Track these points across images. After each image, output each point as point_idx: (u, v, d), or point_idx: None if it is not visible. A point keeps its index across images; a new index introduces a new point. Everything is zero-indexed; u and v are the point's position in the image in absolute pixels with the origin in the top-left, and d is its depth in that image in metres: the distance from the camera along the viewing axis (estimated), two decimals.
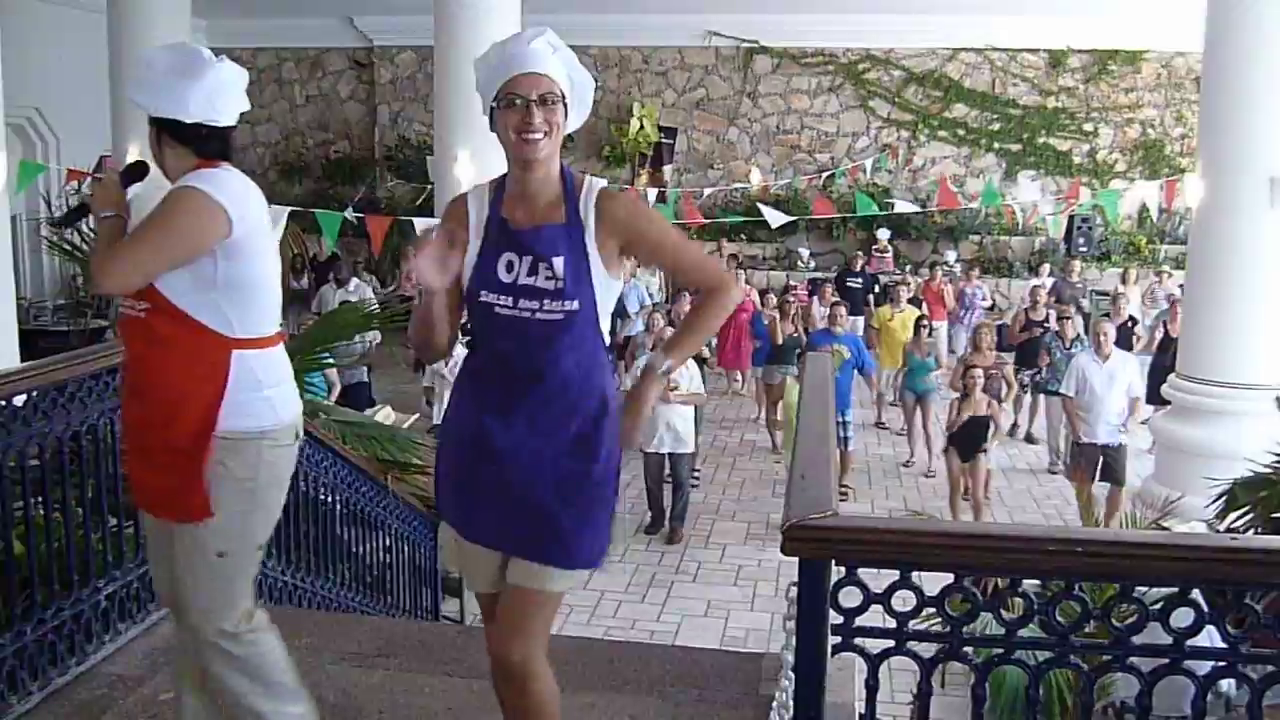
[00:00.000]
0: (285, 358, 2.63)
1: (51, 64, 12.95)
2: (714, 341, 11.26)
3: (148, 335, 2.47)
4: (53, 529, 3.24)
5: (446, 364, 9.07)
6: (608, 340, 2.39)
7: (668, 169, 17.04)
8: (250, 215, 2.53)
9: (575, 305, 2.25)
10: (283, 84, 18.07)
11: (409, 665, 3.39)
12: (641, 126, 16.72)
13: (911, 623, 1.77)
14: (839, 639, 1.77)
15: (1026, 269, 15.52)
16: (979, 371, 8.71)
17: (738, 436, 11.62)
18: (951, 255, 15.74)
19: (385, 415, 8.60)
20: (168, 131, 2.53)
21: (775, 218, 12.34)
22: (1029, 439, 11.25)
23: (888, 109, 16.61)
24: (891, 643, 1.78)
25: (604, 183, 2.36)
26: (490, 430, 2.30)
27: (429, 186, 13.86)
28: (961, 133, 16.53)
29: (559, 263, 2.25)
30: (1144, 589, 1.88)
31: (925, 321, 10.86)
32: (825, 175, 16.35)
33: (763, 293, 13.37)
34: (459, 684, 3.26)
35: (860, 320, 13.82)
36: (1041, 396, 10.80)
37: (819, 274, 15.57)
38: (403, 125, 17.85)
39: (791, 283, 15.24)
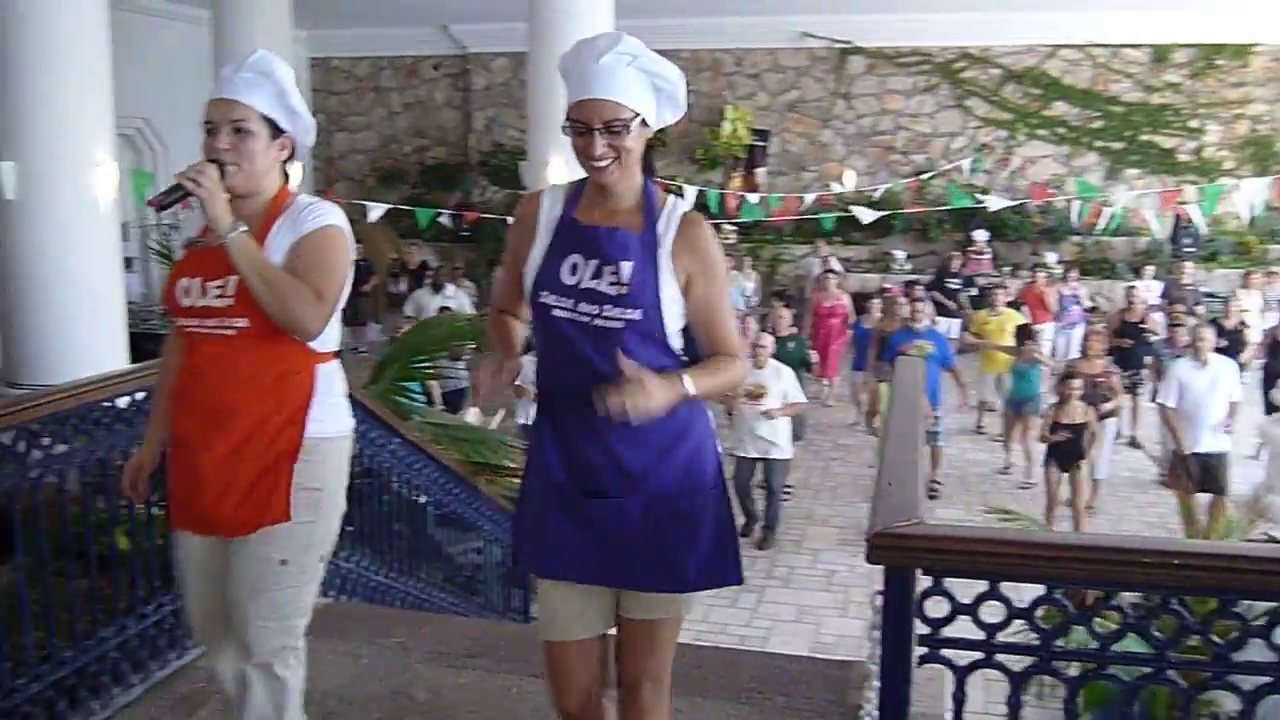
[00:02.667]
0: (341, 368, 2.65)
1: (159, 75, 13.41)
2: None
3: (236, 354, 2.45)
4: (155, 526, 3.34)
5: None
6: (682, 355, 2.27)
7: (760, 172, 16.96)
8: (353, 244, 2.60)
9: (637, 315, 2.17)
10: (380, 91, 18.43)
11: (497, 666, 3.42)
12: (734, 129, 16.69)
13: (1001, 634, 1.73)
14: (925, 649, 1.73)
15: (1130, 270, 15.08)
16: (1078, 381, 8.50)
17: (831, 440, 11.50)
18: (1052, 256, 15.34)
19: (473, 416, 8.70)
20: (285, 139, 2.54)
21: (865, 214, 12.18)
22: (1133, 443, 10.93)
23: (985, 108, 16.31)
24: (979, 654, 1.74)
25: (691, 208, 2.29)
26: (570, 461, 2.24)
27: (522, 192, 13.97)
28: (1062, 131, 16.15)
29: (627, 267, 2.17)
30: (1249, 603, 1.81)
31: (1027, 326, 10.58)
32: (921, 177, 16.11)
33: (857, 296, 13.25)
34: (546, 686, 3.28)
35: (957, 323, 13.60)
36: (1147, 403, 10.49)
37: (914, 276, 15.34)
38: (497, 131, 18.07)
39: (886, 285, 15.02)
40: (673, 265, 2.21)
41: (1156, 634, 1.69)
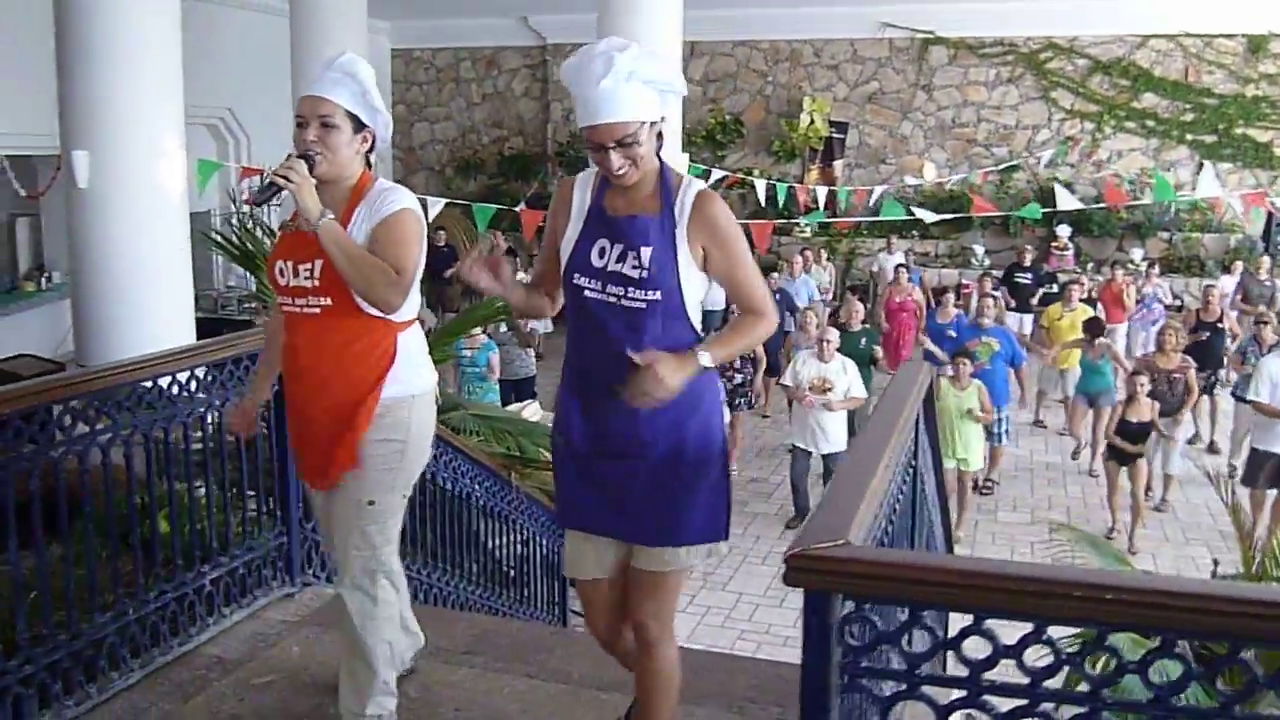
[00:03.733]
0: (421, 332, 2.93)
1: (240, 66, 13.67)
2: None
3: (324, 330, 2.74)
4: (183, 510, 3.43)
5: None
6: (699, 329, 2.47)
7: (838, 164, 16.72)
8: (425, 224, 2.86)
9: (657, 295, 2.37)
10: (460, 82, 18.58)
11: (494, 665, 3.41)
12: (812, 121, 16.47)
13: (926, 665, 1.66)
14: (846, 678, 1.67)
15: (1220, 268, 14.55)
16: (1144, 378, 8.35)
17: None
18: (1138, 253, 14.89)
19: (532, 411, 8.72)
20: (366, 133, 2.80)
21: (928, 216, 11.94)
22: (1212, 448, 10.58)
23: (1071, 100, 15.84)
24: (903, 685, 1.67)
25: (704, 184, 2.46)
26: (595, 428, 2.47)
27: None
28: (1151, 124, 15.61)
29: (647, 252, 2.36)
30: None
31: (1097, 322, 10.28)
32: (1002, 169, 15.75)
33: (934, 290, 13.02)
34: (539, 686, 3.27)
35: (1028, 318, 13.29)
36: (1224, 402, 10.14)
37: (993, 271, 15.01)
38: (574, 121, 18.06)
39: (964, 280, 14.73)
40: (689, 244, 2.40)
41: (1090, 671, 1.60)
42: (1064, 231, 15.03)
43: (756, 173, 16.12)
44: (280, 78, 12.60)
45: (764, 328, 2.49)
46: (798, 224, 15.63)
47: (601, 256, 2.42)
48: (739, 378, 9.68)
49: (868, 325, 10.43)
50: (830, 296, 14.41)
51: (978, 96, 16.21)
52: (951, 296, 11.14)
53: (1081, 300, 11.36)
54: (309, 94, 2.74)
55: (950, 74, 16.25)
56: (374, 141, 2.83)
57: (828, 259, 15.09)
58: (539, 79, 18.42)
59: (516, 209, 12.89)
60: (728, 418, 9.63)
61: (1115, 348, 10.45)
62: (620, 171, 2.36)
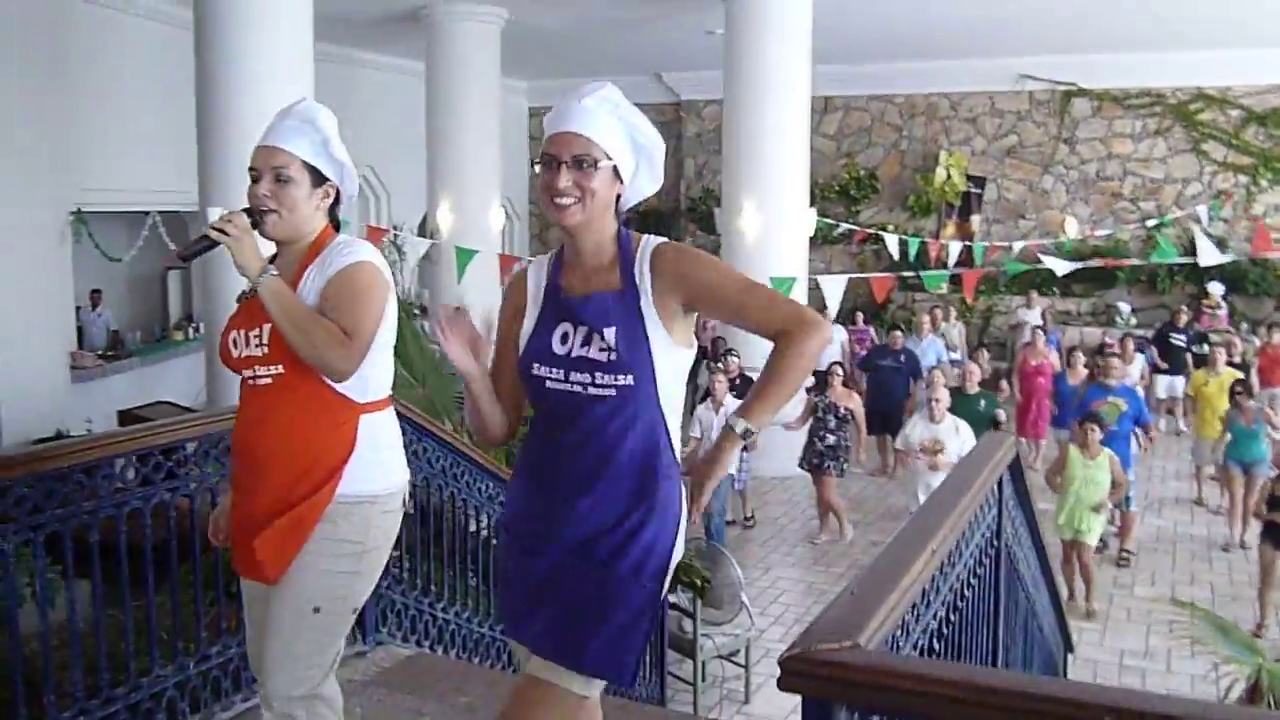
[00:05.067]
0: (396, 420, 2.61)
1: (380, 126, 14.14)
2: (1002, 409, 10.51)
3: (274, 402, 2.45)
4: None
5: (716, 412, 9.03)
6: (673, 433, 2.15)
7: (976, 219, 16.29)
8: (391, 282, 2.56)
9: (629, 380, 2.07)
10: None
11: None
12: (948, 176, 16.11)
13: None
14: None
15: None
16: None
17: None
18: None
19: None
20: (328, 187, 2.54)
21: (1061, 266, 11.46)
22: None
23: (1224, 152, 15.09)
24: None
25: (660, 240, 2.17)
26: (543, 521, 2.16)
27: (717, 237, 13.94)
28: None
29: (610, 333, 2.07)
30: None
31: (1243, 386, 9.64)
32: (1150, 225, 15.07)
33: (1070, 350, 12.48)
34: None
35: (1180, 380, 12.59)
36: None
37: (1139, 330, 14.33)
38: (707, 178, 18.13)
39: (1108, 340, 14.09)
40: (660, 314, 2.10)
41: None
42: (1216, 289, 14.27)
43: (891, 228, 15.83)
44: (415, 135, 12.99)
45: (810, 340, 2.05)
46: (929, 278, 15.26)
47: (564, 342, 2.13)
48: (831, 438, 9.38)
49: (986, 389, 10.00)
50: (959, 355, 13.97)
51: (1123, 149, 15.60)
52: (1081, 356, 10.65)
53: (1232, 364, 10.70)
54: (263, 143, 2.47)
55: (1094, 126, 15.70)
56: (337, 196, 2.55)
57: (957, 317, 14.65)
58: (672, 135, 18.52)
59: None
60: (827, 484, 9.40)
61: (1270, 410, 9.79)
62: (565, 199, 2.06)
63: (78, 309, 11.54)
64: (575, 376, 2.11)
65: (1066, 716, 1.39)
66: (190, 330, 13.18)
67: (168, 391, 10.76)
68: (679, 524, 2.16)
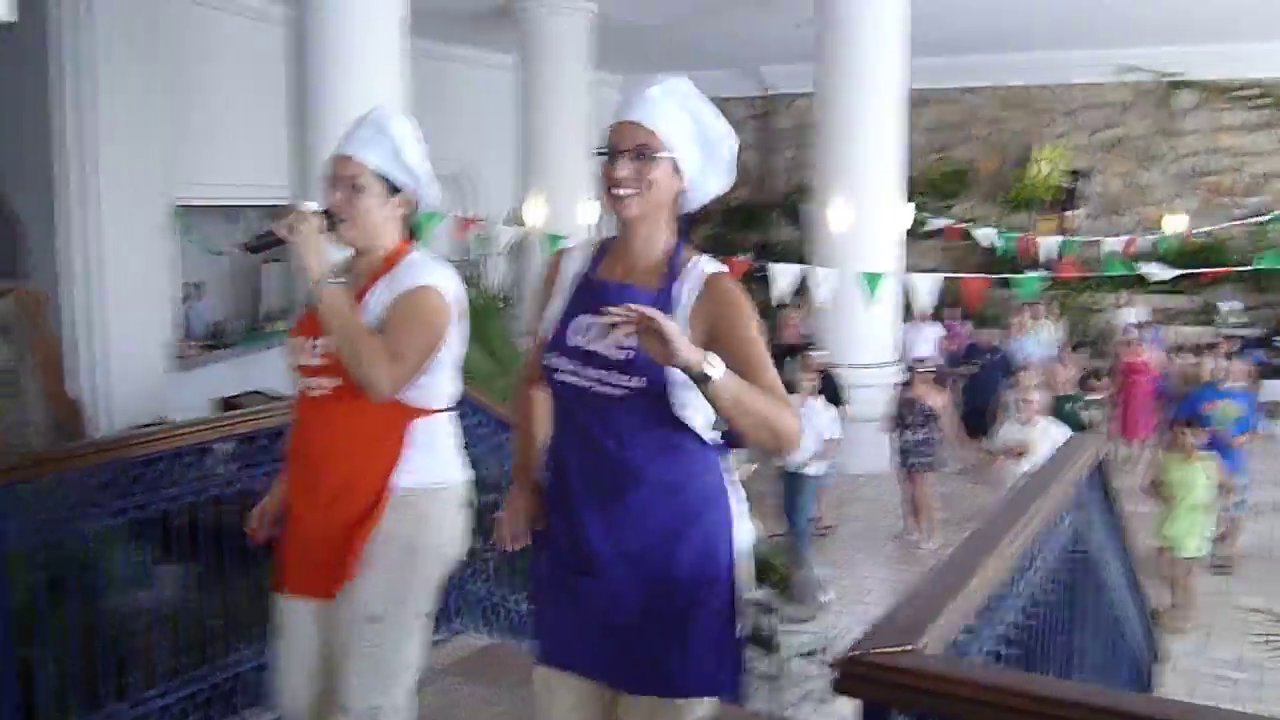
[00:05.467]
0: (452, 424, 2.57)
1: (475, 120, 14.29)
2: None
3: (330, 413, 2.45)
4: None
5: (800, 407, 8.98)
6: (706, 432, 2.07)
7: (1074, 214, 15.87)
8: (463, 302, 2.54)
9: (641, 383, 2.00)
10: None
11: None
12: (1046, 170, 15.73)
13: None
14: None
15: None
16: None
17: (1124, 509, 10.47)
18: None
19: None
20: (403, 197, 2.53)
21: (1152, 272, 11.12)
22: None
23: None
24: None
25: (721, 267, 2.11)
26: (572, 537, 2.09)
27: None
28: None
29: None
30: None
31: None
32: (1263, 220, 14.52)
33: (1173, 350, 12.11)
34: None
35: None
36: None
37: (1244, 331, 13.85)
38: (799, 171, 17.96)
39: (1211, 341, 13.64)
40: (689, 330, 2.00)
41: None
42: None
43: (988, 221, 15.54)
44: (506, 130, 13.12)
45: (785, 418, 1.97)
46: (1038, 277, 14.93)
47: (584, 334, 2.07)
48: (918, 435, 9.23)
49: (1079, 389, 9.73)
50: (1057, 354, 13.61)
51: (1229, 142, 15.05)
52: (1185, 357, 10.32)
53: None
54: (339, 152, 2.48)
55: (1199, 118, 15.17)
56: (416, 206, 2.56)
57: (1055, 315, 14.29)
58: (765, 129, 18.43)
59: (740, 258, 12.92)
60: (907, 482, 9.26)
61: None
62: (623, 189, 2.01)
63: (184, 298, 11.90)
64: (589, 371, 2.06)
65: None
66: (288, 321, 13.48)
67: (265, 380, 11.03)
68: (730, 520, 2.08)
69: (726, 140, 2.14)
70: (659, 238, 2.11)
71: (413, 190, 2.54)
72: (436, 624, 3.88)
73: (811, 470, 9.05)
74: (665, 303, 2.02)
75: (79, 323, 9.46)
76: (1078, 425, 8.99)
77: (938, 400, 9.40)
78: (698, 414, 2.07)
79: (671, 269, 2.07)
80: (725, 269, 2.11)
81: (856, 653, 1.48)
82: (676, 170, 2.07)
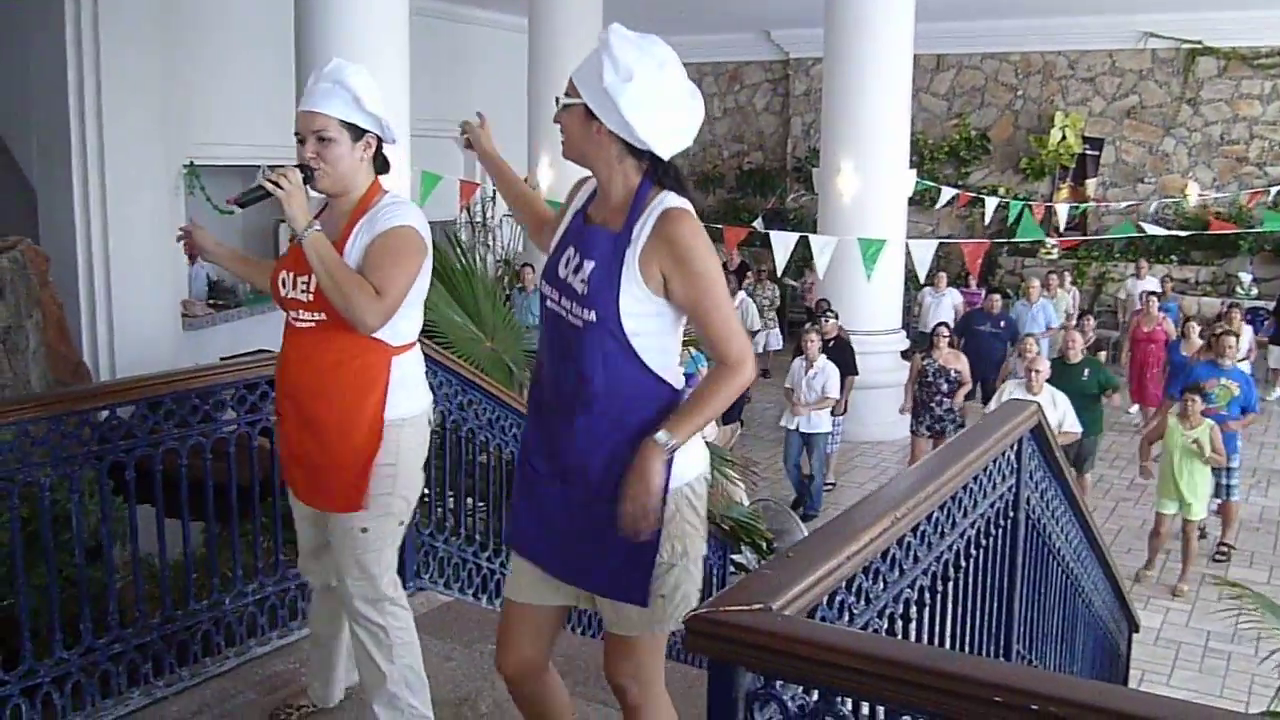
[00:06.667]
0: (420, 356, 2.83)
1: (486, 83, 14.27)
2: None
3: (315, 346, 2.67)
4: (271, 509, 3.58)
5: (806, 372, 9.01)
6: (663, 370, 2.20)
7: (1091, 183, 15.74)
8: (429, 243, 2.74)
9: (592, 316, 2.14)
10: (702, 97, 18.67)
11: (575, 688, 3.35)
12: (1064, 137, 15.56)
13: None
14: None
15: None
16: None
17: (1128, 478, 10.47)
18: None
19: (708, 431, 8.62)
20: (368, 139, 2.68)
21: (1158, 232, 11.02)
22: None
23: None
24: None
25: (682, 203, 2.18)
26: (540, 442, 2.30)
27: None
28: None
29: (589, 266, 2.16)
30: None
31: None
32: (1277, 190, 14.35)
33: (1187, 320, 12.02)
34: (614, 715, 3.19)
35: None
36: None
37: (1260, 302, 13.72)
38: (814, 137, 17.85)
39: (1224, 310, 13.53)
40: (641, 266, 2.15)
41: None
42: None
43: (1002, 190, 15.40)
44: (518, 92, 13.09)
45: (735, 382, 2.17)
46: (1043, 244, 14.83)
47: (566, 265, 2.23)
48: (948, 401, 9.25)
49: (1091, 356, 9.66)
50: (1071, 320, 13.55)
51: (1251, 111, 14.84)
52: (1196, 327, 10.24)
53: None
54: (304, 108, 2.63)
55: (1220, 87, 14.96)
56: (379, 144, 2.71)
57: (1071, 283, 14.21)
58: (780, 94, 18.31)
59: (754, 224, 12.89)
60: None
61: None
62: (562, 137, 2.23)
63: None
64: (563, 301, 2.22)
65: (960, 693, 1.38)
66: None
67: (272, 339, 11.14)
68: (678, 459, 2.16)
69: (633, 79, 2.12)
70: (616, 179, 2.21)
71: (374, 134, 2.69)
72: (401, 580, 3.98)
73: (823, 428, 9.11)
74: (623, 241, 2.16)
75: (96, 284, 9.56)
76: (1090, 394, 8.90)
77: (960, 364, 9.40)
78: (657, 354, 2.20)
79: (634, 208, 2.19)
80: (684, 205, 2.19)
81: (703, 610, 1.52)
82: (591, 115, 2.16)
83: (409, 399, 2.73)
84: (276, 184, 2.52)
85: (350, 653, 2.98)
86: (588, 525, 2.21)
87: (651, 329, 2.18)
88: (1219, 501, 8.44)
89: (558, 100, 2.21)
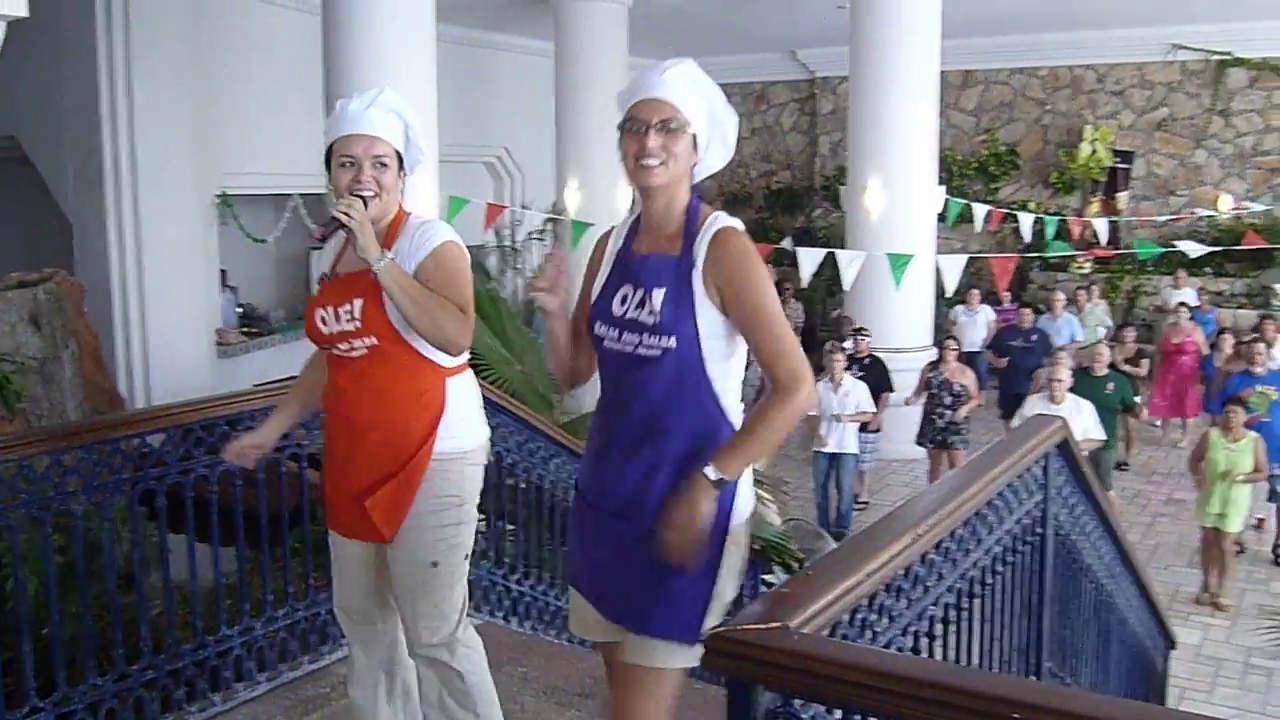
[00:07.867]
0: (475, 382, 2.80)
1: (516, 106, 14.37)
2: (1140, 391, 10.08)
3: (371, 372, 2.63)
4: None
5: (835, 391, 8.96)
6: (726, 392, 2.22)
7: (1122, 196, 15.61)
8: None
9: (671, 343, 2.15)
10: None
11: (603, 709, 3.36)
12: (1093, 151, 15.45)
13: None
14: None
15: None
16: None
17: (1165, 494, 10.35)
18: None
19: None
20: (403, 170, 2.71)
21: (1192, 249, 10.91)
22: None
23: None
24: None
25: (734, 222, 2.22)
26: (597, 478, 2.30)
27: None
28: None
29: (659, 295, 2.16)
30: None
31: None
32: None
33: (1221, 331, 11.89)
34: None
35: None
36: None
37: None
38: (841, 155, 17.83)
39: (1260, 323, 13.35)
40: (705, 287, 2.17)
41: None
42: None
43: (1032, 206, 15.31)
44: (544, 116, 13.16)
45: (787, 409, 2.13)
46: (1074, 259, 14.71)
47: (623, 303, 2.22)
48: (950, 414, 9.22)
49: (1116, 372, 9.55)
50: (1105, 334, 13.41)
51: None
52: (1230, 338, 10.12)
53: None
54: (360, 132, 2.62)
55: (1251, 98, 14.80)
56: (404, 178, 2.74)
57: (1099, 296, 14.06)
58: (807, 113, 18.33)
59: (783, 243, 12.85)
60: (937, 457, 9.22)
61: None
62: (652, 160, 2.15)
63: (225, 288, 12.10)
64: (627, 337, 2.21)
65: (978, 711, 1.38)
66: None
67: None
68: (734, 487, 2.18)
69: (731, 121, 2.28)
70: (677, 204, 2.24)
71: (414, 163, 2.74)
72: None
73: (850, 448, 9.07)
74: (686, 265, 2.18)
75: (131, 314, 9.70)
76: (1114, 406, 8.82)
77: (966, 379, 9.37)
78: (721, 379, 2.21)
79: (689, 231, 2.21)
80: (736, 224, 2.23)
81: (721, 628, 1.52)
82: (694, 144, 2.21)
83: (469, 431, 2.71)
84: (349, 214, 2.51)
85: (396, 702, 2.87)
86: (644, 560, 2.16)
87: (720, 351, 2.20)
88: (1262, 514, 8.33)
89: (664, 125, 2.16)
